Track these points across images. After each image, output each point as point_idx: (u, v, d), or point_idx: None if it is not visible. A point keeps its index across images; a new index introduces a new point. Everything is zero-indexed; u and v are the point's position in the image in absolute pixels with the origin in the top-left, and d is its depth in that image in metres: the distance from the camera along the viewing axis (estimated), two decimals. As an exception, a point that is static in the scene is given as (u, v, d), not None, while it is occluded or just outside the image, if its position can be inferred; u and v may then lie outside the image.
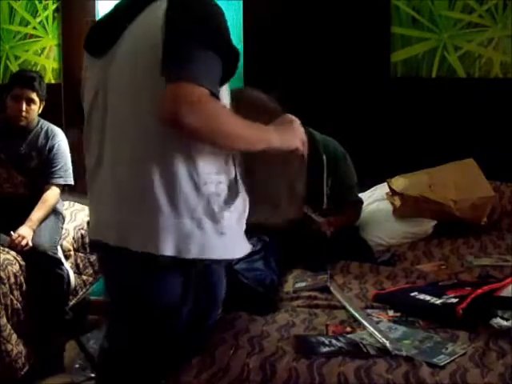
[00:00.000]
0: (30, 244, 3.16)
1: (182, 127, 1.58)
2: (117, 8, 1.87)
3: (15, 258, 3.08)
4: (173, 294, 1.83)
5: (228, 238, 1.80)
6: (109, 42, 1.79)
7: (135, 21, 1.74)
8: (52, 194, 3.38)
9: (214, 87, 1.61)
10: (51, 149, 3.44)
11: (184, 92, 1.56)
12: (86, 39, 1.91)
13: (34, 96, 3.39)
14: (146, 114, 1.70)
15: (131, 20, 1.75)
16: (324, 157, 3.04)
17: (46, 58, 4.46)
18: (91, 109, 1.86)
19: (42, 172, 3.42)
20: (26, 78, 3.41)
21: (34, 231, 3.23)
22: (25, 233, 3.18)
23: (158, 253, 1.71)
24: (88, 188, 1.92)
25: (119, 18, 1.80)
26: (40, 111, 3.47)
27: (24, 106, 3.37)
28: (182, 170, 1.71)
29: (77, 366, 3.21)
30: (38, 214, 3.30)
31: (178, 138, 1.67)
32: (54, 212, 3.40)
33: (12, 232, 3.18)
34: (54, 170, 3.40)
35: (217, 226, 1.76)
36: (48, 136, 3.47)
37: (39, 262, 3.13)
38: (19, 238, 3.15)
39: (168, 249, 1.71)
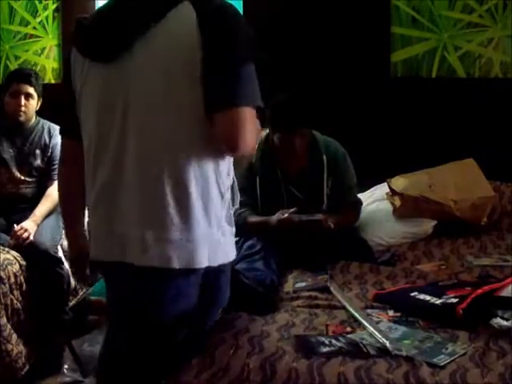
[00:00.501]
0: (31, 238, 3.17)
1: (242, 150, 1.66)
2: (115, 11, 1.76)
3: (15, 257, 3.08)
4: (193, 299, 1.84)
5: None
6: (120, 47, 1.71)
7: (156, 27, 1.68)
8: (55, 190, 3.38)
9: (261, 102, 1.69)
10: (54, 147, 3.45)
11: (244, 117, 1.62)
12: (81, 42, 1.81)
13: (32, 91, 3.40)
14: (180, 121, 1.68)
15: (147, 27, 1.68)
16: (324, 157, 3.04)
17: (46, 58, 4.47)
18: (99, 116, 1.76)
19: (45, 171, 3.43)
20: (22, 74, 3.44)
21: (37, 227, 3.24)
22: (28, 226, 3.19)
23: (195, 266, 1.72)
24: (94, 203, 1.81)
25: (127, 23, 1.71)
26: (38, 108, 3.48)
27: (23, 101, 3.38)
28: (212, 177, 1.73)
29: (66, 367, 3.21)
30: (41, 209, 3.31)
31: (209, 146, 1.70)
32: (56, 211, 3.40)
33: (15, 225, 3.20)
34: (56, 166, 3.40)
35: (231, 229, 1.85)
36: (50, 134, 3.48)
37: (40, 261, 3.13)
38: (21, 231, 3.16)
39: (204, 261, 1.74)
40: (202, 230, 1.71)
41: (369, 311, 2.27)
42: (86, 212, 2.00)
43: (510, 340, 1.99)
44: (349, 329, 2.13)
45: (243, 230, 2.98)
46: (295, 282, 2.63)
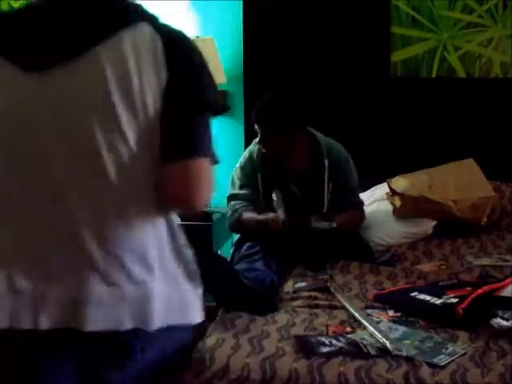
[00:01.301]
0: None
1: (195, 207, 1.52)
2: (52, 15, 1.48)
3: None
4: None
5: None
6: (58, 59, 1.43)
7: (103, 47, 1.43)
8: None
9: (217, 155, 1.55)
10: None
11: (201, 169, 1.48)
12: None
13: None
14: (130, 166, 1.45)
15: (94, 42, 1.43)
16: (326, 161, 3.01)
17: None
18: (18, 130, 1.47)
19: None
20: None
21: None
22: None
23: (148, 329, 1.49)
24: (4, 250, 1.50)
25: (69, 33, 1.46)
26: None
27: None
28: (163, 229, 1.55)
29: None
30: None
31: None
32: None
33: None
34: None
35: (193, 289, 1.61)
36: None
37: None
38: None
39: (156, 322, 1.50)
40: (156, 284, 1.50)
41: (369, 311, 2.27)
42: None
43: (510, 340, 1.99)
44: (349, 329, 2.13)
45: (237, 229, 2.98)
46: (295, 282, 2.63)
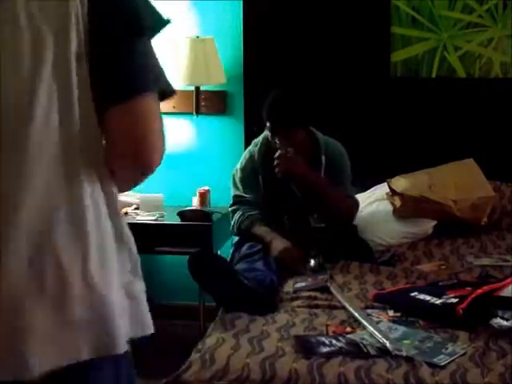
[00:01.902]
0: None
1: (153, 161, 1.17)
2: None
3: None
4: None
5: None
6: None
7: None
8: None
9: (169, 84, 1.23)
10: None
11: (146, 109, 1.15)
12: None
13: None
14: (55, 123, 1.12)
15: None
16: (323, 157, 3.02)
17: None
18: None
19: None
20: None
21: None
22: None
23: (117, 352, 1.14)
24: None
25: None
26: None
27: None
28: (103, 210, 1.17)
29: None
30: None
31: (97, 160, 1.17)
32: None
33: None
34: None
35: (142, 284, 1.25)
36: None
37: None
38: None
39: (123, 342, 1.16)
40: (111, 291, 1.14)
41: (369, 311, 2.28)
42: None
43: (510, 340, 2.00)
44: (349, 329, 2.13)
45: (245, 235, 2.98)
46: (295, 282, 2.63)
